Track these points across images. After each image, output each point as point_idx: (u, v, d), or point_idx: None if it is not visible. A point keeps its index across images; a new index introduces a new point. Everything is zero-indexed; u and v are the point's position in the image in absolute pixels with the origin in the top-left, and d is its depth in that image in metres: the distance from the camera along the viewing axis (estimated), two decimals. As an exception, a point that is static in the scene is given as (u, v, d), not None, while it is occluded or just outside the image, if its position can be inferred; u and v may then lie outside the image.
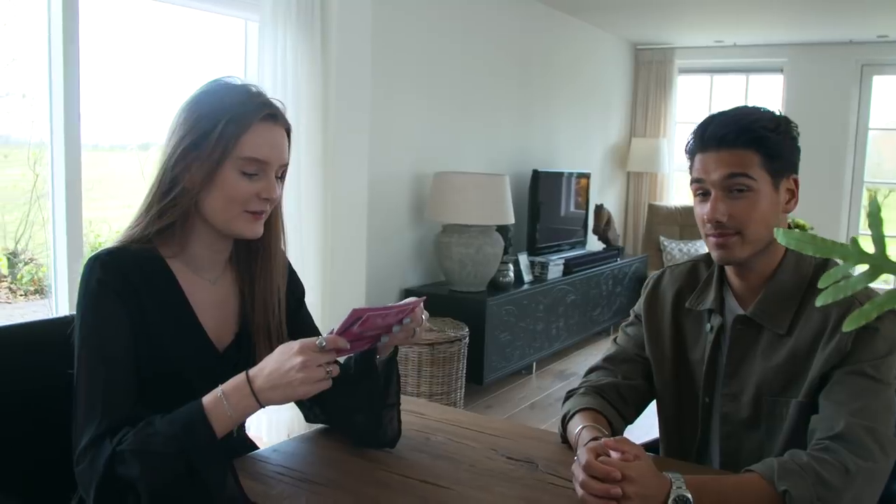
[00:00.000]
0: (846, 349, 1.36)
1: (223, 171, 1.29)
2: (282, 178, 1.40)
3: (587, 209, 6.26)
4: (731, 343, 1.51)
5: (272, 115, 1.33)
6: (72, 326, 1.33)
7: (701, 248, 6.78)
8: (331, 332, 1.21)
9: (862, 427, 1.29)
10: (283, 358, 1.17)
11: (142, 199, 1.34)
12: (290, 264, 1.54)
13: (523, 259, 5.02)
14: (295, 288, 1.54)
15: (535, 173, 5.41)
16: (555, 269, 5.20)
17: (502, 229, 4.72)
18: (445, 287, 4.60)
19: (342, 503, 1.24)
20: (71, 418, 1.26)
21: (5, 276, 5.84)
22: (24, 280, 5.85)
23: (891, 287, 0.88)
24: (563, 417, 1.56)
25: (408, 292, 4.55)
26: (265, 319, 1.42)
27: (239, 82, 1.36)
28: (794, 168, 1.47)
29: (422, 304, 1.34)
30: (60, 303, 2.96)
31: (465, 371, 4.12)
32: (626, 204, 7.71)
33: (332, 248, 3.72)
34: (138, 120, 4.28)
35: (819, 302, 0.87)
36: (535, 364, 5.06)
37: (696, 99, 7.74)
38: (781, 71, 7.11)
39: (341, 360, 1.43)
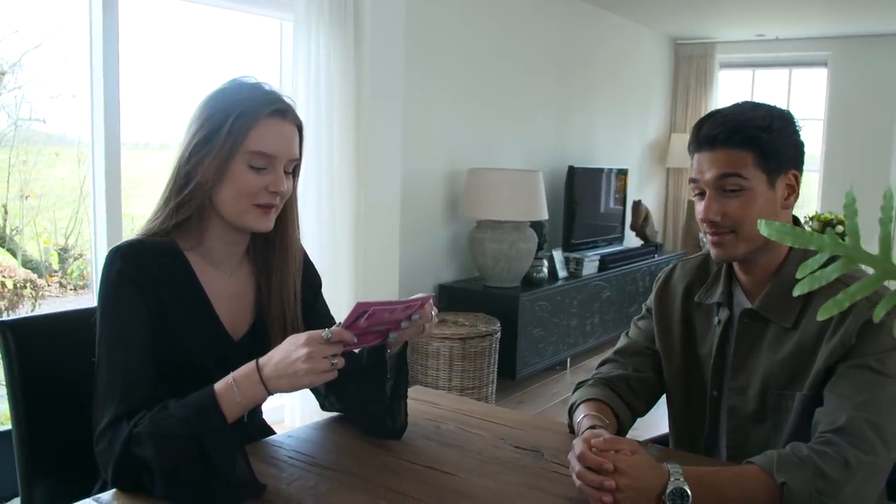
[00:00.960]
0: (851, 343, 1.36)
1: (233, 165, 1.35)
2: (294, 173, 1.45)
3: (625, 205, 6.24)
4: (738, 337, 1.53)
5: (280, 110, 1.38)
6: (94, 315, 1.40)
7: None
8: (338, 326, 1.25)
9: (864, 421, 1.29)
10: (290, 348, 1.22)
11: (160, 194, 1.40)
12: (306, 255, 1.59)
13: (557, 255, 5.03)
14: (311, 279, 1.59)
15: (571, 169, 5.41)
16: (590, 265, 5.20)
17: (536, 225, 4.73)
18: (479, 283, 4.63)
19: (348, 486, 1.28)
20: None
21: (56, 271, 6.03)
22: (74, 275, 6.02)
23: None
24: (570, 407, 1.58)
25: (442, 288, 4.60)
26: (280, 310, 1.47)
27: (253, 81, 1.41)
28: (792, 164, 1.46)
29: (431, 301, 1.38)
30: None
31: (496, 366, 4.14)
32: (666, 200, 7.65)
33: (364, 245, 3.78)
34: (181, 119, 4.40)
35: (796, 291, 0.89)
36: (569, 360, 5.07)
37: (737, 94, 7.64)
38: (825, 65, 6.99)
39: (356, 351, 1.48)
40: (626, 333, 1.77)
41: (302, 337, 1.22)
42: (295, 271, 1.50)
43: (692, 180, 1.50)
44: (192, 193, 1.36)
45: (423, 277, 4.52)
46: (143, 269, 1.34)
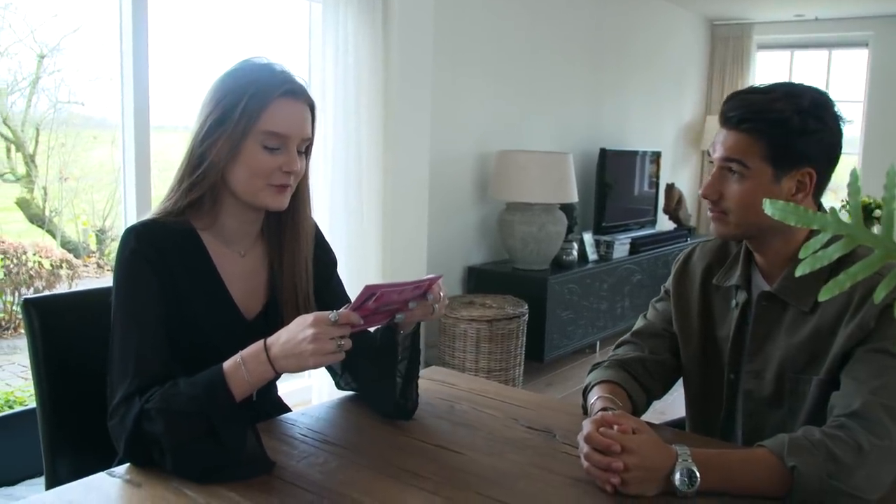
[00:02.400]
0: (869, 327, 1.34)
1: (246, 146, 1.36)
2: (306, 152, 1.46)
3: (658, 188, 6.17)
4: (756, 320, 1.51)
5: (292, 90, 1.39)
6: (111, 294, 1.43)
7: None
8: (346, 307, 1.26)
9: (880, 405, 1.27)
10: (297, 329, 1.23)
11: (174, 174, 1.42)
12: (320, 234, 1.60)
13: (588, 238, 5.00)
14: (326, 258, 1.60)
15: (603, 151, 5.36)
16: (620, 249, 5.16)
17: (567, 208, 4.71)
18: (508, 265, 4.62)
19: (356, 463, 1.30)
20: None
21: (93, 252, 6.15)
22: (111, 256, 6.12)
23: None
24: (585, 389, 1.58)
25: (470, 270, 4.60)
26: (293, 290, 1.48)
27: (264, 61, 1.42)
28: (809, 162, 1.40)
29: (440, 281, 1.38)
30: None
31: (524, 348, 4.15)
32: (700, 183, 7.54)
33: (392, 228, 3.79)
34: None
35: (798, 272, 0.88)
36: (598, 343, 5.05)
37: (776, 76, 7.50)
38: (867, 45, 6.82)
39: (371, 330, 1.50)
40: (644, 315, 1.76)
41: (309, 318, 1.23)
42: (307, 250, 1.51)
43: (708, 152, 1.49)
44: (205, 173, 1.38)
45: (452, 260, 4.53)
46: (157, 248, 1.36)
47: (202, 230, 1.43)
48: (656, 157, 6.12)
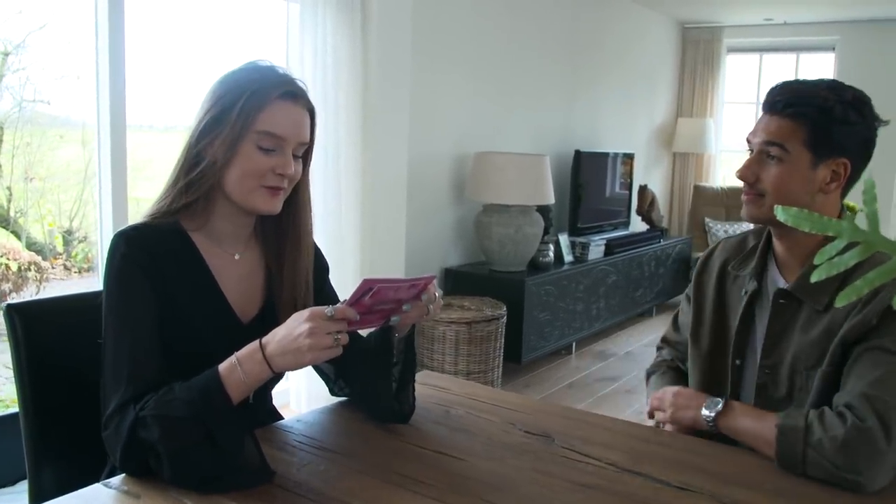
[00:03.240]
0: (871, 324, 1.38)
1: (242, 146, 1.33)
2: (305, 158, 1.44)
3: (631, 190, 6.22)
4: (772, 317, 1.55)
5: (292, 92, 1.37)
6: (100, 299, 1.39)
7: (747, 229, 6.68)
8: (343, 303, 1.25)
9: (868, 395, 1.32)
10: (293, 325, 1.21)
11: (168, 174, 1.39)
12: (314, 243, 1.58)
13: (564, 239, 5.02)
14: (319, 264, 1.58)
15: (578, 153, 5.39)
16: (595, 250, 5.19)
17: (543, 209, 4.72)
18: (485, 267, 4.62)
19: (357, 471, 1.28)
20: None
21: (60, 254, 6.03)
22: (79, 258, 6.03)
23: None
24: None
25: (447, 272, 4.59)
26: (292, 296, 1.46)
27: (267, 63, 1.39)
28: (845, 153, 1.46)
29: (434, 282, 1.37)
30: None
31: (502, 350, 4.15)
32: (672, 185, 7.62)
33: (371, 228, 3.77)
34: (186, 102, 4.38)
35: (813, 278, 0.89)
36: (574, 344, 5.07)
37: (744, 78, 7.59)
38: (833, 49, 6.94)
39: (363, 334, 1.48)
40: (674, 320, 1.88)
41: (305, 313, 1.21)
42: (308, 260, 1.49)
43: (746, 139, 1.54)
44: (202, 173, 1.35)
45: (429, 262, 4.52)
46: (149, 252, 1.33)
47: (193, 231, 1.40)
48: (629, 158, 6.16)
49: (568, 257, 5.00)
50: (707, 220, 6.79)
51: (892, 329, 1.37)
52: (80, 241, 5.91)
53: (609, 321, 5.40)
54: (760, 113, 1.52)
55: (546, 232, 4.71)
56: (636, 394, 4.34)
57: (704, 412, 1.48)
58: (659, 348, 1.89)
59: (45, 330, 1.51)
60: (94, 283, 5.60)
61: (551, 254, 4.76)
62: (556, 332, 4.75)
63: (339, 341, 1.21)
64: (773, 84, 1.51)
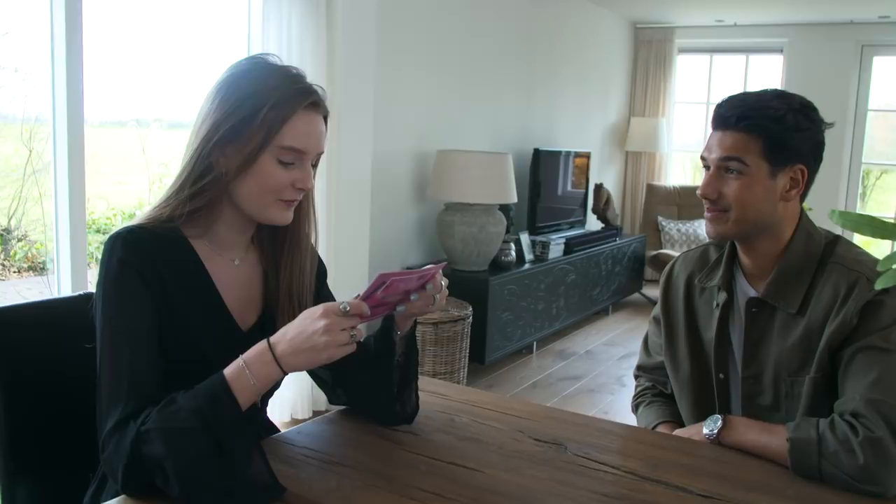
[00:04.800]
0: (852, 324, 1.39)
1: (261, 159, 1.26)
2: (315, 165, 1.37)
3: (587, 188, 6.25)
4: (748, 326, 1.55)
5: (315, 102, 1.29)
6: (91, 304, 1.30)
7: (699, 227, 6.78)
8: (356, 297, 1.19)
9: (873, 400, 1.32)
10: (307, 322, 1.14)
11: (172, 180, 1.30)
12: (315, 250, 1.51)
13: (525, 238, 5.00)
14: (319, 269, 1.52)
15: (537, 152, 5.38)
16: (556, 249, 5.19)
17: (504, 208, 4.69)
18: (448, 266, 4.57)
19: (373, 486, 1.22)
20: (85, 399, 1.24)
21: (-3, 253, 5.78)
22: (18, 257, 5.79)
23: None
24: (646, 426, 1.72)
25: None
26: (290, 303, 1.39)
27: (279, 63, 1.31)
28: (801, 159, 1.47)
29: (440, 272, 1.32)
30: (63, 280, 2.92)
31: (468, 350, 4.11)
32: (625, 184, 7.69)
33: (335, 227, 3.69)
34: (137, 97, 4.23)
35: (879, 285, 0.88)
36: (535, 344, 5.05)
37: (695, 79, 7.70)
38: (781, 51, 7.08)
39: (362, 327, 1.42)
40: (646, 345, 1.85)
41: (318, 309, 1.14)
42: (309, 266, 1.43)
43: (702, 156, 1.54)
44: (211, 184, 1.27)
45: (391, 261, 4.45)
46: (147, 256, 1.24)
47: (193, 237, 1.32)
48: (585, 157, 6.18)
49: (529, 256, 4.98)
50: (660, 218, 6.86)
51: (875, 325, 1.38)
52: (19, 240, 5.68)
53: (568, 320, 5.41)
54: (710, 129, 1.52)
55: (507, 231, 4.68)
56: (600, 393, 4.35)
57: (705, 430, 1.46)
58: (637, 377, 1.86)
59: (21, 336, 1.42)
60: (35, 282, 5.39)
61: (513, 253, 4.74)
62: (519, 331, 4.73)
63: (355, 337, 1.15)
64: (722, 100, 1.50)
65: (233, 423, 1.12)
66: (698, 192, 1.52)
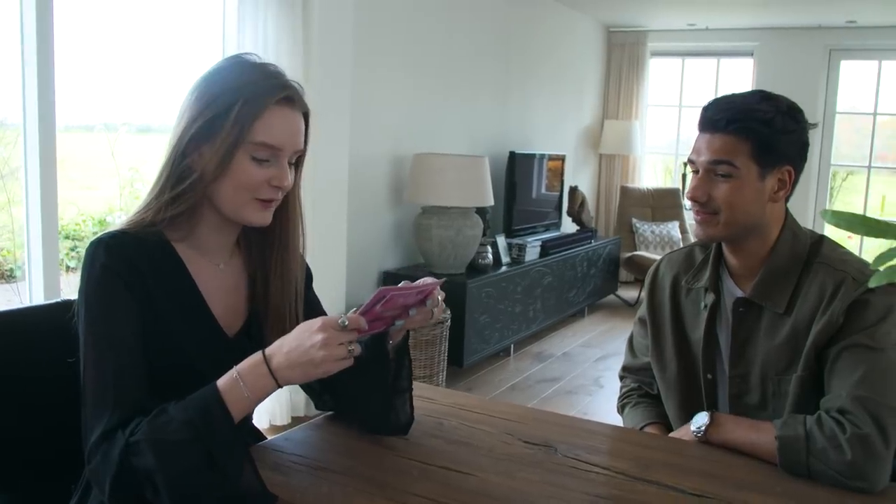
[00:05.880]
0: (838, 323, 1.41)
1: (235, 157, 1.23)
2: (297, 164, 1.34)
3: (562, 191, 6.27)
4: (735, 326, 1.55)
5: (289, 97, 1.27)
6: (72, 312, 1.28)
7: (672, 229, 6.83)
8: (354, 311, 1.17)
9: (859, 398, 1.34)
10: (304, 336, 1.13)
11: (152, 184, 1.28)
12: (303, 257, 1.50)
13: (501, 241, 5.00)
14: (305, 273, 1.50)
15: (513, 155, 5.39)
16: (532, 251, 5.19)
17: (481, 211, 4.69)
18: (424, 269, 4.56)
19: (366, 492, 1.20)
20: (65, 408, 1.21)
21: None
22: (-24, 261, 5.67)
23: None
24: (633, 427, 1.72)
25: (386, 275, 4.51)
26: (280, 308, 1.37)
27: (257, 60, 1.29)
28: (788, 160, 1.48)
29: (439, 287, 1.31)
30: (35, 287, 2.86)
31: (446, 354, 4.09)
32: (599, 186, 7.73)
33: (312, 230, 3.66)
34: (106, 100, 4.15)
35: (873, 283, 0.88)
36: (512, 346, 5.06)
37: (667, 82, 7.77)
38: (752, 55, 7.17)
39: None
40: (631, 346, 1.83)
41: (316, 323, 1.13)
42: (298, 271, 1.41)
43: (689, 159, 1.54)
44: (191, 186, 1.25)
45: (367, 265, 4.43)
46: (131, 262, 1.22)
47: (176, 241, 1.30)
48: (560, 159, 6.21)
49: (505, 259, 4.98)
50: (634, 220, 6.91)
51: (860, 324, 1.39)
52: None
53: (544, 322, 5.42)
54: (698, 132, 1.52)
55: (483, 234, 4.68)
56: (578, 395, 4.36)
57: (693, 428, 1.47)
58: (622, 377, 1.86)
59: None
60: (2, 290, 5.28)
61: (490, 256, 4.74)
62: (496, 334, 4.73)
63: (352, 352, 1.14)
64: (709, 103, 1.51)
65: (225, 436, 1.10)
66: (687, 194, 1.52)
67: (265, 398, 1.16)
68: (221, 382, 1.13)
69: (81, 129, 5.05)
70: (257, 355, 1.15)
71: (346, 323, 1.13)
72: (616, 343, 5.45)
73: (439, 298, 1.32)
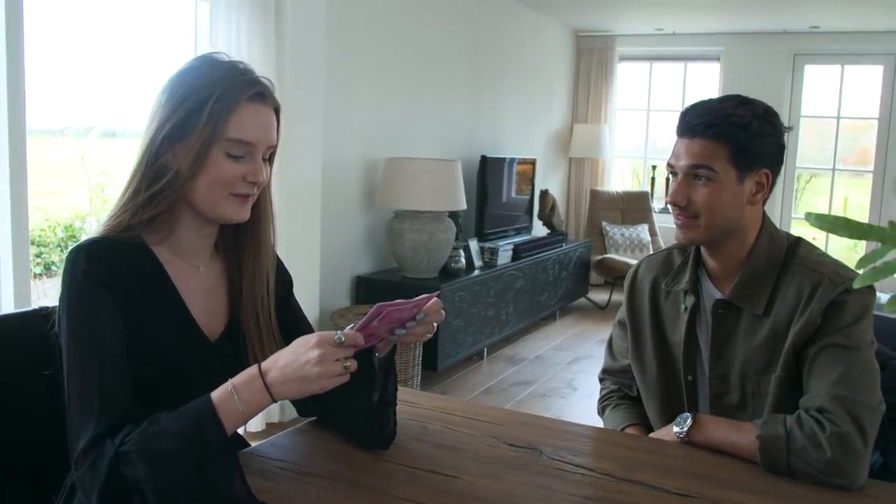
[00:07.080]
0: (816, 323, 1.44)
1: (210, 154, 1.23)
2: (270, 160, 1.35)
3: (532, 195, 6.30)
4: (715, 327, 1.57)
5: (260, 93, 1.27)
6: (51, 322, 1.26)
7: (642, 232, 6.90)
8: (351, 328, 1.17)
9: (837, 396, 1.36)
10: (300, 351, 1.12)
11: (125, 185, 1.27)
12: (276, 254, 1.49)
13: (474, 245, 5.02)
14: (283, 276, 1.49)
15: (484, 159, 5.41)
16: (504, 255, 5.21)
17: (453, 215, 4.70)
18: (397, 273, 4.56)
19: (354, 497, 1.20)
20: (42, 417, 1.20)
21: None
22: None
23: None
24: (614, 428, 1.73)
25: (359, 280, 4.50)
26: (254, 309, 1.36)
27: (226, 59, 1.29)
28: (766, 163, 1.51)
29: (436, 298, 1.32)
30: (5, 296, 2.82)
31: (421, 358, 4.09)
32: (569, 189, 7.78)
33: (285, 234, 3.63)
34: (74, 104, 4.10)
35: (857, 284, 0.89)
36: (486, 350, 5.07)
37: (636, 86, 7.85)
38: (718, 59, 7.27)
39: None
40: (611, 349, 1.84)
41: (312, 338, 1.13)
42: (269, 268, 1.40)
43: (668, 164, 1.56)
44: (167, 185, 1.24)
45: (340, 269, 4.41)
46: (112, 268, 1.21)
47: (155, 245, 1.29)
48: (531, 163, 6.24)
49: (478, 262, 4.99)
50: (604, 223, 6.96)
51: (837, 325, 1.42)
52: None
53: (517, 326, 5.44)
54: (677, 137, 1.54)
55: (456, 238, 4.69)
56: (552, 397, 4.39)
57: (675, 429, 1.49)
58: (602, 380, 1.88)
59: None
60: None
61: (462, 259, 4.75)
62: (469, 338, 4.74)
63: (348, 368, 1.13)
64: (687, 108, 1.54)
65: (217, 449, 1.10)
66: (667, 199, 1.55)
67: (259, 412, 1.16)
68: (216, 395, 1.13)
69: (44, 134, 4.97)
70: (253, 369, 1.14)
71: (343, 339, 1.13)
72: (588, 346, 5.49)
73: (440, 310, 1.32)
